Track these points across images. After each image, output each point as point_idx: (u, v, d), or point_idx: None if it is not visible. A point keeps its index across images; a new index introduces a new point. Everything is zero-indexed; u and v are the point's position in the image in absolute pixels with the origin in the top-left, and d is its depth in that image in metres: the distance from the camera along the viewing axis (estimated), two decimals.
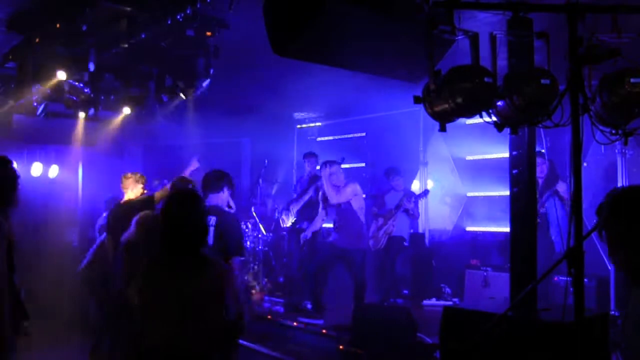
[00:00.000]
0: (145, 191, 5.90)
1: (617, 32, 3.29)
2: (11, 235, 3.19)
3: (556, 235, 5.97)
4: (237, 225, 4.13)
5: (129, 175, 5.87)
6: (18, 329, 3.26)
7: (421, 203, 7.97)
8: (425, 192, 7.87)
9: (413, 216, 7.53)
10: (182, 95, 6.32)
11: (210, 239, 4.00)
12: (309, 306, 6.75)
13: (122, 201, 5.83)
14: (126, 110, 7.42)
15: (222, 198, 4.20)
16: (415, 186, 8.61)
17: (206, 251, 3.96)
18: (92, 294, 5.88)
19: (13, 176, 3.30)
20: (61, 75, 5.73)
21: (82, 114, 7.41)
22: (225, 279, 2.89)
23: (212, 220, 4.03)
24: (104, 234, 6.00)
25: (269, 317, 6.67)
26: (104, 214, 6.76)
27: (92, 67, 5.44)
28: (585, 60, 3.16)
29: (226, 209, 4.21)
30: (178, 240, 2.73)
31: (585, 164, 6.95)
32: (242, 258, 4.69)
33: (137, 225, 4.48)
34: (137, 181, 5.83)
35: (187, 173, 5.73)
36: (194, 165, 5.89)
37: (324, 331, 5.92)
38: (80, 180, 9.51)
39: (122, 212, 5.38)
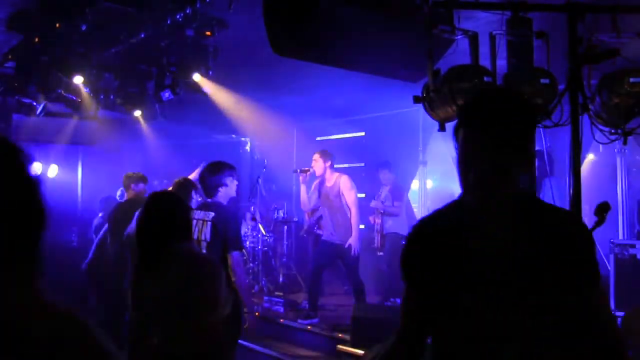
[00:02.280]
0: (146, 190, 5.89)
1: (617, 32, 3.30)
2: None
3: None
4: (234, 219, 4.08)
5: (130, 174, 5.86)
6: None
7: (420, 202, 7.93)
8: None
9: (394, 215, 7.28)
10: (181, 94, 6.32)
11: (208, 234, 3.98)
12: (307, 305, 6.72)
13: (123, 200, 5.81)
14: (127, 111, 7.41)
15: (221, 194, 4.17)
16: (415, 185, 8.60)
17: (204, 246, 3.97)
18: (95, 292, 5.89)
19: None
20: (61, 76, 5.72)
21: (81, 114, 7.39)
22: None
23: (210, 215, 4.01)
24: (101, 234, 6.00)
25: (269, 317, 6.66)
26: (100, 214, 6.75)
27: (91, 66, 5.45)
28: (585, 60, 3.17)
29: (225, 203, 4.17)
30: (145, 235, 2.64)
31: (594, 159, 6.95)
32: (241, 252, 4.52)
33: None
34: (138, 180, 5.82)
35: (193, 176, 5.72)
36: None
37: (323, 331, 5.92)
38: (80, 180, 9.52)
39: (124, 211, 5.37)
